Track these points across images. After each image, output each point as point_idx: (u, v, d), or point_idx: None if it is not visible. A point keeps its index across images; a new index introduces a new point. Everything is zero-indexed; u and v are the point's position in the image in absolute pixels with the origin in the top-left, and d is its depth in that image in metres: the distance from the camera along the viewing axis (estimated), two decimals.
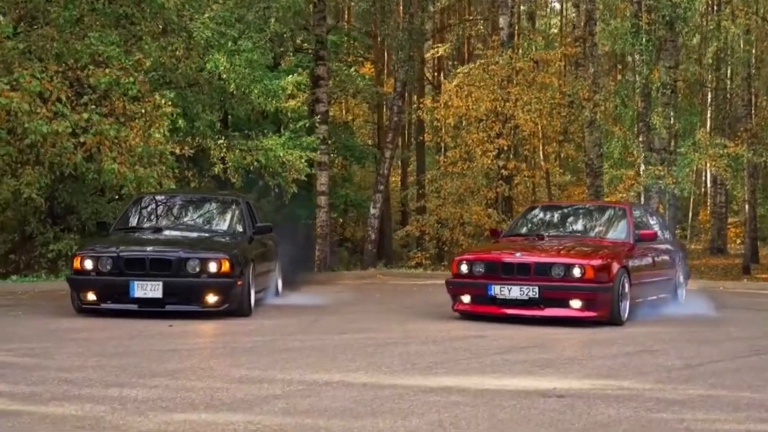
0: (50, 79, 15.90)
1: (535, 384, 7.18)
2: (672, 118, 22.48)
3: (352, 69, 29.32)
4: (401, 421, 5.70)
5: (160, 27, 18.06)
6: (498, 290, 11.82)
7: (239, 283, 11.57)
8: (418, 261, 25.65)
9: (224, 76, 20.18)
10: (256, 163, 20.68)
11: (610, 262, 11.79)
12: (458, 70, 26.99)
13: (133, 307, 11.44)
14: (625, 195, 22.48)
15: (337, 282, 20.15)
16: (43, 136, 15.33)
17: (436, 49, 28.53)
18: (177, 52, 17.93)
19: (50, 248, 17.83)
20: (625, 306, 11.99)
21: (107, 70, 16.24)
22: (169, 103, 16.97)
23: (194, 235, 12.48)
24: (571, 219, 13.69)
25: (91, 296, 11.55)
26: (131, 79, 16.43)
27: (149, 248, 11.64)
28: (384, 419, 5.75)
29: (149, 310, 11.38)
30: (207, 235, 12.57)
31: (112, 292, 11.49)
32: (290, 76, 21.88)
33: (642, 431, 5.61)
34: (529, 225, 13.67)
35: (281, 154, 20.54)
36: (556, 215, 13.89)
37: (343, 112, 36.54)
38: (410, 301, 15.33)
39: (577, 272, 11.59)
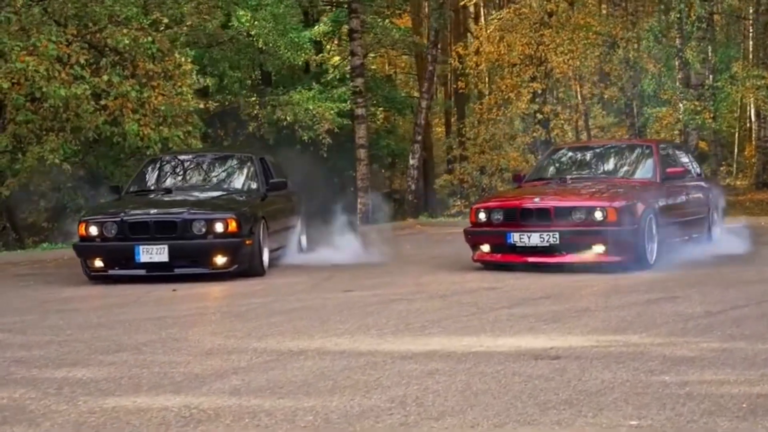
0: (68, 42, 15.15)
1: (533, 343, 6.25)
2: (709, 53, 21.10)
3: (387, 21, 28.23)
4: (359, 399, 4.82)
5: None
6: (517, 238, 10.85)
7: (248, 242, 10.74)
8: (458, 209, 24.67)
9: (252, 32, 19.33)
10: (288, 119, 19.84)
11: (634, 203, 10.76)
12: (492, 17, 25.74)
13: (141, 272, 10.69)
14: (664, 134, 21.25)
15: (373, 234, 19.24)
16: (62, 100, 14.62)
17: None
18: (201, 8, 17.02)
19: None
20: (653, 248, 10.96)
21: (125, 30, 15.44)
22: (190, 60, 16.14)
23: (203, 194, 11.65)
24: (595, 160, 12.61)
25: (99, 263, 10.82)
26: (149, 38, 15.62)
27: (153, 211, 10.85)
28: (341, 396, 4.87)
29: (158, 274, 10.64)
30: (217, 194, 11.72)
31: (119, 258, 10.74)
32: (315, 26, 20.90)
33: (635, 400, 4.67)
34: (552, 168, 12.65)
35: (310, 107, 19.65)
36: (580, 156, 12.82)
37: (386, 65, 35.47)
38: (439, 251, 14.44)
39: (598, 215, 10.58)
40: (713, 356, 5.71)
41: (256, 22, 18.66)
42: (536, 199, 11.00)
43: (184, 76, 15.97)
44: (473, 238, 11.35)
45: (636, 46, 21.53)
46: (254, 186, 12.08)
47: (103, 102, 15.32)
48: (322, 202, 14.53)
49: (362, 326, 7.14)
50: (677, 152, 13.23)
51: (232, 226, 10.62)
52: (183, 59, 15.87)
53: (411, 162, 25.71)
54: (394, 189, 34.97)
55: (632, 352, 5.90)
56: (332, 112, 20.03)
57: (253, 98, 20.63)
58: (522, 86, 22.81)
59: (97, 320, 7.85)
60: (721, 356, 5.70)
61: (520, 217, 10.94)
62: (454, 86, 28.65)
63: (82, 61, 15.02)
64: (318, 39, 21.82)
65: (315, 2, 24.15)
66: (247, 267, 10.80)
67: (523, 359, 5.72)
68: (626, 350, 5.95)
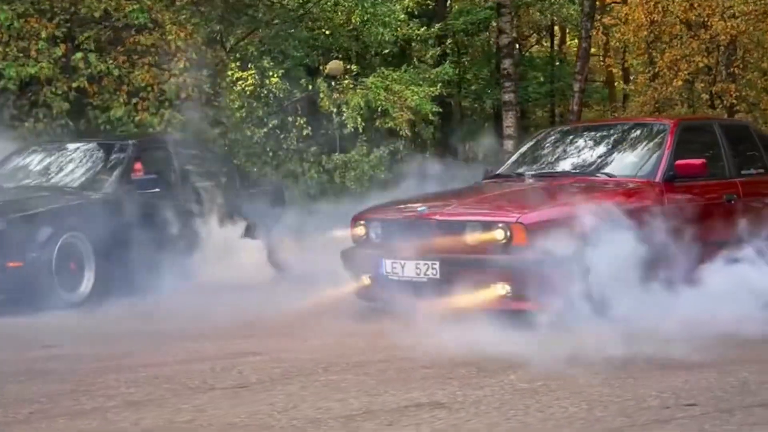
0: (50, 16, 12.24)
1: None
2: None
3: None
4: None
5: None
6: (389, 267, 6.64)
7: (11, 264, 7.23)
8: None
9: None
10: (361, 103, 15.94)
11: (570, 216, 6.21)
12: None
13: None
14: None
15: None
16: (15, 81, 11.79)
17: None
18: None
19: None
20: (608, 292, 6.25)
21: None
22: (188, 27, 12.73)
23: (17, 196, 8.21)
24: (586, 147, 7.94)
25: None
26: (135, 6, 12.37)
27: None
28: None
29: None
30: (34, 194, 8.24)
31: None
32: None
33: None
34: (528, 158, 8.19)
35: (384, 92, 15.66)
36: (568, 142, 8.17)
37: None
38: None
39: (499, 235, 6.18)
40: None
41: None
42: (420, 208, 6.71)
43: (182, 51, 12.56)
44: (350, 263, 7.19)
45: None
46: (107, 183, 8.49)
47: (75, 84, 12.22)
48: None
49: None
50: (727, 136, 8.06)
51: None
52: (175, 29, 12.40)
53: None
54: None
55: None
56: (416, 97, 15.74)
57: (347, 81, 16.90)
58: (683, 61, 17.54)
59: None
60: None
61: (397, 235, 6.71)
62: (602, 63, 23.45)
63: (43, 35, 12.00)
64: (410, 12, 17.75)
65: None
66: (20, 298, 7.28)
67: None
68: None
